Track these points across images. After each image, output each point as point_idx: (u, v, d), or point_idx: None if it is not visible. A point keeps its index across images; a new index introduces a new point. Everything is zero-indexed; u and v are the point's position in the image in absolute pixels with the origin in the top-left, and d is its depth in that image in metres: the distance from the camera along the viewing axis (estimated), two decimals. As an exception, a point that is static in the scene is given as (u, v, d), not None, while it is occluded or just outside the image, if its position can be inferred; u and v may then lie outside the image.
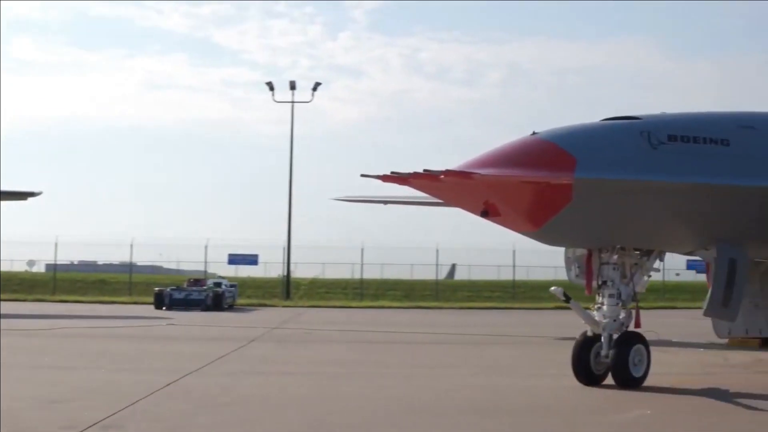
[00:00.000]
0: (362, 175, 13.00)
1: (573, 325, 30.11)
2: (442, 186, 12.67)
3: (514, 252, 58.15)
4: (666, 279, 65.97)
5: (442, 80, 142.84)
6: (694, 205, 13.84)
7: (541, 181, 12.49)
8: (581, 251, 14.30)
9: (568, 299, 13.86)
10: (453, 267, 78.42)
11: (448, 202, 13.89)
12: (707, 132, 13.96)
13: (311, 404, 11.90)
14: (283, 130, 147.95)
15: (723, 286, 14.26)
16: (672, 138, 13.53)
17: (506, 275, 66.05)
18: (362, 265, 60.22)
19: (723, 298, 14.28)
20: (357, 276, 62.82)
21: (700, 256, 15.48)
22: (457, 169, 12.32)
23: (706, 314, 14.84)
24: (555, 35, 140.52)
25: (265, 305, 43.83)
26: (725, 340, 20.87)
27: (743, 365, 17.44)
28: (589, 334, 13.93)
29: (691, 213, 13.93)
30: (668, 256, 15.26)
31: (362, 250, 59.16)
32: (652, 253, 14.31)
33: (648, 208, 13.52)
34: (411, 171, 12.44)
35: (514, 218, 12.94)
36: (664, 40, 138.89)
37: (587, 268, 14.04)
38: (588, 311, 13.93)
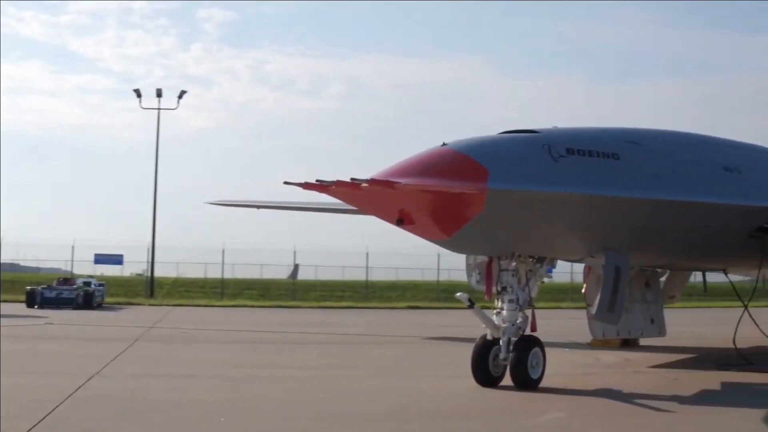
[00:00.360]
0: (285, 182, 12.52)
1: (431, 324, 30.50)
2: (363, 195, 12.21)
3: (367, 254, 58.36)
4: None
5: (287, 91, 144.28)
6: (589, 215, 13.87)
7: (458, 191, 12.17)
8: (482, 258, 14.07)
9: (472, 305, 13.57)
10: (296, 267, 78.24)
11: (365, 211, 13.42)
12: (599, 146, 14.02)
13: (236, 409, 11.25)
14: (144, 136, 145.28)
15: (610, 291, 14.36)
16: (570, 151, 13.48)
17: (350, 275, 67.24)
18: (223, 265, 59.06)
19: (609, 302, 14.39)
20: (211, 275, 62.51)
21: (587, 263, 15.38)
22: (381, 178, 11.88)
23: (595, 317, 14.89)
24: (393, 52, 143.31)
25: (132, 304, 42.47)
26: (588, 341, 21.03)
27: (618, 365, 17.46)
28: (489, 337, 13.72)
29: (586, 222, 13.97)
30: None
31: (223, 251, 58.02)
32: (545, 260, 14.20)
33: (550, 217, 13.47)
34: (335, 179, 11.97)
35: (427, 226, 12.57)
36: (497, 59, 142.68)
37: (487, 274, 13.85)
38: (488, 315, 13.70)
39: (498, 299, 13.76)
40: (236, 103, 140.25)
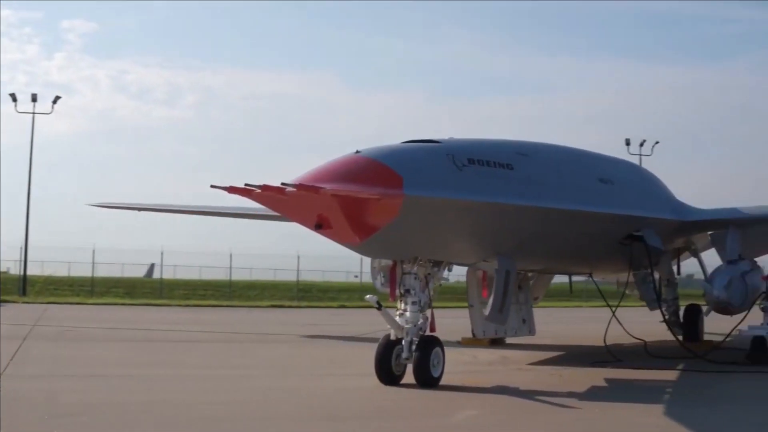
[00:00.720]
0: (212, 186, 11.96)
1: (301, 323, 30.15)
2: (287, 199, 11.77)
3: (231, 255, 57.78)
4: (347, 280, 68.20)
5: (145, 100, 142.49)
6: (489, 221, 13.85)
7: (376, 197, 11.88)
8: (386, 262, 13.86)
9: (380, 307, 13.27)
10: (152, 266, 77.18)
11: (285, 215, 12.93)
12: (496, 157, 14.01)
13: (164, 411, 10.65)
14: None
15: (501, 294, 14.41)
16: (471, 161, 13.42)
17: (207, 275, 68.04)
18: (93, 264, 57.98)
19: (500, 304, 14.43)
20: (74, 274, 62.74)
21: (480, 267, 15.31)
22: (308, 183, 11.48)
23: (488, 318, 14.82)
24: (245, 65, 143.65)
25: (7, 301, 40.35)
26: (458, 339, 21.07)
27: (498, 362, 17.46)
28: (392, 337, 13.47)
29: (486, 228, 13.95)
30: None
31: (93, 251, 57.16)
32: (441, 264, 14.01)
33: (454, 224, 13.39)
34: (260, 184, 11.51)
35: (344, 231, 12.21)
36: (344, 74, 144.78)
37: (391, 277, 13.64)
38: (393, 316, 13.44)
39: (401, 301, 13.55)
40: (96, 110, 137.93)
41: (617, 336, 19.23)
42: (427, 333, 13.52)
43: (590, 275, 21.76)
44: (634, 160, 46.69)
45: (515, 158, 14.51)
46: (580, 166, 17.13)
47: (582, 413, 11.07)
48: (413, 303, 13.41)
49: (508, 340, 21.07)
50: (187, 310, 39.46)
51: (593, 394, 13.02)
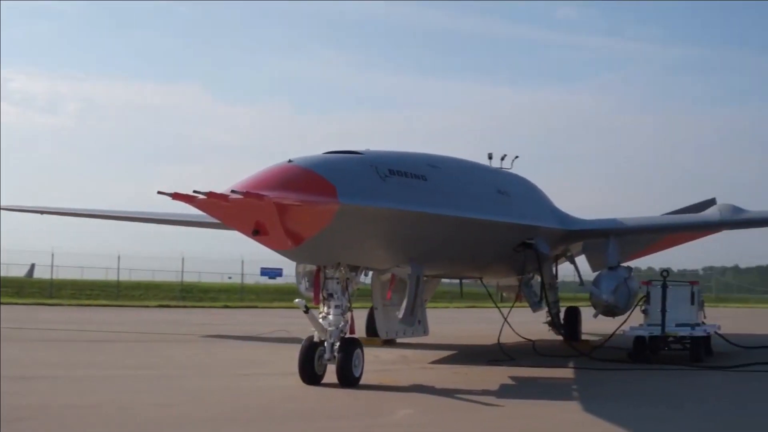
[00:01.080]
0: (159, 192, 11.50)
1: (194, 322, 29.50)
2: (228, 206, 11.40)
3: (119, 257, 56.18)
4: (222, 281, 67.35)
5: (27, 107, 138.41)
6: (408, 229, 13.79)
7: (314, 205, 11.64)
8: (311, 267, 13.59)
9: (307, 310, 12.99)
10: (32, 266, 74.52)
11: (224, 221, 12.47)
12: (412, 168, 14.02)
13: (113, 414, 10.17)
14: None
15: (413, 298, 14.40)
16: (392, 172, 13.40)
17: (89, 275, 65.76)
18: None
19: (412, 307, 14.41)
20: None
21: (394, 272, 15.16)
22: (253, 191, 11.14)
23: (401, 321, 14.77)
24: (123, 76, 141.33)
25: None
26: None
27: (400, 362, 17.45)
28: (316, 339, 13.26)
29: (405, 236, 13.91)
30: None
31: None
32: (359, 269, 13.84)
33: (379, 231, 13.27)
34: (207, 191, 11.12)
35: (279, 237, 11.89)
36: (213, 86, 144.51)
37: (316, 282, 13.40)
38: (318, 319, 13.21)
39: (324, 304, 13.36)
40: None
41: (506, 336, 19.42)
42: (348, 335, 13.36)
43: (481, 279, 21.99)
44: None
45: (427, 170, 14.56)
46: (481, 178, 17.30)
47: (508, 411, 11.09)
48: (336, 306, 13.31)
49: (399, 340, 20.98)
50: (81, 309, 38.11)
51: (507, 391, 13.09)
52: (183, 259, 58.06)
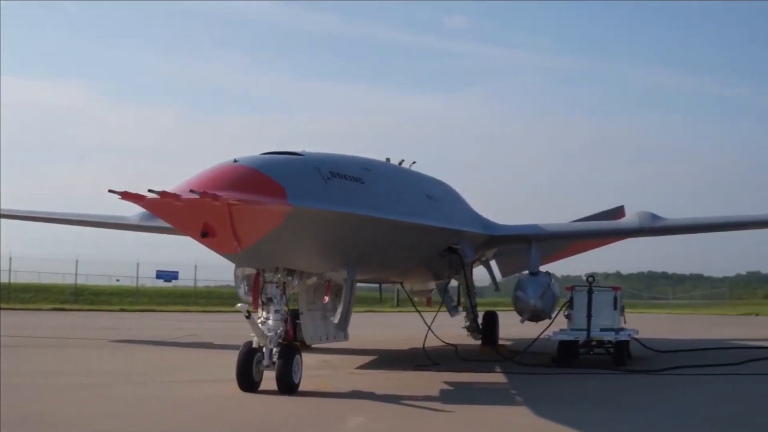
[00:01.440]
0: (110, 191, 10.83)
1: (95, 326, 28.49)
2: (180, 207, 10.84)
3: (10, 258, 54.28)
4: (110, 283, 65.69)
5: None
6: (349, 232, 13.47)
7: (269, 206, 11.21)
8: (250, 270, 13.08)
9: (249, 315, 12.49)
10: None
11: (172, 223, 11.84)
12: (350, 171, 13.65)
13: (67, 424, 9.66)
14: None
15: (348, 303, 14.14)
16: (333, 174, 12.99)
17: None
18: None
19: (347, 313, 14.13)
20: None
21: (329, 277, 14.79)
22: (210, 191, 10.63)
23: (336, 327, 14.45)
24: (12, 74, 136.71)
25: None
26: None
27: (327, 367, 17.18)
28: (255, 345, 12.78)
29: (345, 239, 13.57)
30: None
31: None
32: (295, 273, 13.40)
33: (322, 235, 12.87)
34: (160, 190, 10.54)
35: (227, 239, 11.39)
36: (102, 85, 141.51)
37: (255, 286, 12.92)
38: (259, 325, 12.72)
39: (264, 309, 12.93)
40: None
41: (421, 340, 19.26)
42: (286, 341, 12.98)
43: (402, 284, 21.78)
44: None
45: (363, 173, 14.21)
46: (410, 182, 17.07)
47: (461, 416, 10.90)
48: (276, 311, 12.91)
49: (314, 345, 20.68)
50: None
51: (450, 397, 12.87)
52: (77, 261, 56.67)
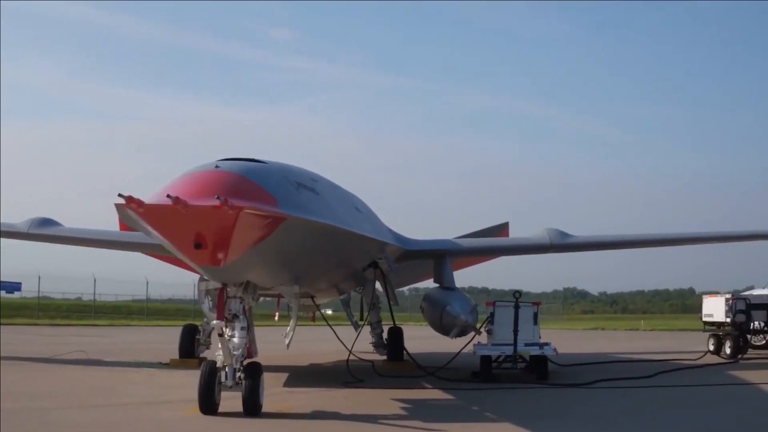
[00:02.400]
0: (119, 195, 9.90)
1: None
2: (182, 215, 9.91)
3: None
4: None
5: None
6: (323, 244, 12.88)
7: (268, 217, 10.44)
8: (214, 284, 12.21)
9: (222, 333, 11.62)
10: None
11: (163, 232, 10.68)
12: (306, 181, 13.05)
13: None
14: None
15: (296, 317, 13.65)
16: (299, 184, 12.38)
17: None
18: None
19: (294, 328, 13.62)
20: None
21: (280, 291, 14.10)
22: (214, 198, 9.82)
23: (288, 346, 13.78)
24: None
25: None
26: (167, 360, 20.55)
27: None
28: (219, 364, 11.86)
29: (311, 251, 13.00)
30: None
31: None
32: (249, 288, 12.59)
33: (302, 245, 12.23)
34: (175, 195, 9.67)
35: (218, 251, 10.49)
36: None
37: (219, 300, 12.08)
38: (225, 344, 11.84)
39: (228, 326, 12.03)
40: None
41: (336, 354, 18.81)
42: (249, 359, 12.22)
43: (312, 298, 21.11)
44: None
45: (314, 184, 13.59)
46: (342, 194, 16.52)
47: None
48: (242, 328, 12.17)
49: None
50: None
51: (415, 414, 12.61)
52: None
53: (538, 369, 17.71)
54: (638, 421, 12.40)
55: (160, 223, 10.43)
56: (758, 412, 13.52)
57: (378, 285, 21.02)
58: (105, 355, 23.07)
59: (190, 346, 20.49)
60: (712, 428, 12.01)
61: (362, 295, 21.91)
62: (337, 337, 18.49)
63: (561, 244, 21.31)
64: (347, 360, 17.70)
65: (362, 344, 20.63)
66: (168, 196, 9.70)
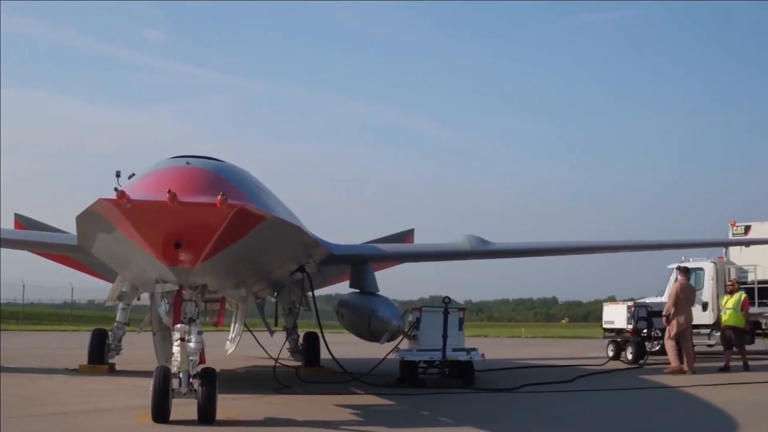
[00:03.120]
0: (114, 189, 9.34)
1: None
2: (174, 210, 9.51)
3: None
4: None
5: None
6: (285, 245, 12.63)
7: (251, 215, 10.15)
8: (170, 287, 11.73)
9: (184, 338, 11.20)
10: None
11: (144, 229, 10.14)
12: (255, 181, 12.83)
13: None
14: None
15: (242, 323, 13.39)
16: (255, 185, 12.26)
17: None
18: None
19: (240, 333, 13.36)
20: None
21: (227, 295, 13.68)
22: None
23: (231, 353, 13.51)
24: None
25: None
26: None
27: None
28: (174, 370, 11.46)
29: (266, 252, 12.67)
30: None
31: None
32: (204, 289, 12.23)
33: (267, 246, 12.03)
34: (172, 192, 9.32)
35: (195, 250, 10.15)
36: None
37: (176, 304, 11.69)
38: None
39: (186, 331, 11.54)
40: None
41: (253, 359, 18.48)
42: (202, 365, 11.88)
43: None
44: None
45: (261, 184, 13.32)
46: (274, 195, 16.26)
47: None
48: (198, 333, 11.71)
49: (119, 367, 20.07)
50: None
51: (374, 419, 12.44)
52: None
53: (464, 374, 17.83)
54: (573, 422, 12.73)
55: (145, 221, 10.02)
56: (688, 414, 13.92)
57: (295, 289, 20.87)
58: (33, 363, 22.18)
59: (100, 352, 19.85)
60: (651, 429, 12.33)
61: (277, 300, 21.57)
62: (259, 344, 18.23)
63: (482, 251, 21.55)
64: (274, 367, 17.39)
65: (270, 350, 20.42)
66: (169, 191, 9.33)
